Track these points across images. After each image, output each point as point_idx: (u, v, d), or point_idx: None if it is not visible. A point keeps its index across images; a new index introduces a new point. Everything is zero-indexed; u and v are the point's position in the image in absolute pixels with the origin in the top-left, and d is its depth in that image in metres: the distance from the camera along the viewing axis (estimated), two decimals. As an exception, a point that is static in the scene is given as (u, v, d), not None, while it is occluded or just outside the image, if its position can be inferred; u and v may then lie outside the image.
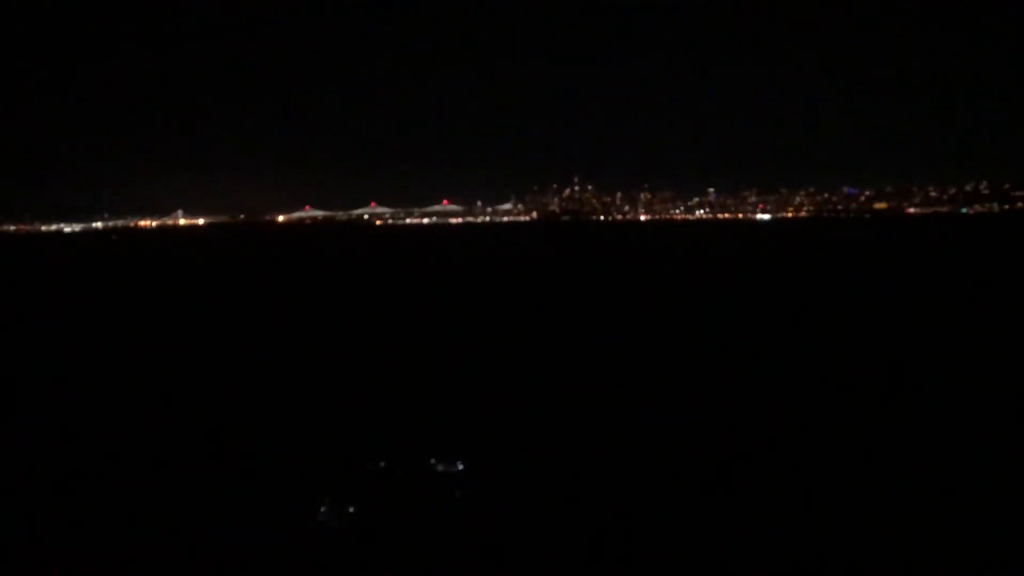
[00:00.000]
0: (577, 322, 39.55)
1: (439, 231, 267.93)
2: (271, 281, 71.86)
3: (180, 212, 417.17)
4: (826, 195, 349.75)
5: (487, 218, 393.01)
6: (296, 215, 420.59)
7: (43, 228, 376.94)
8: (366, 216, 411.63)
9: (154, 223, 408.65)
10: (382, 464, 17.45)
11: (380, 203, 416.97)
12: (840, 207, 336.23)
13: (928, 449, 18.04)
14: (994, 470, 16.50)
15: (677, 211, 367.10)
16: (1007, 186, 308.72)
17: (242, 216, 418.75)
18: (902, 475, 16.42)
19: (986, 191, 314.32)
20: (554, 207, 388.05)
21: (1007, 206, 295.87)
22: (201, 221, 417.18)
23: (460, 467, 17.18)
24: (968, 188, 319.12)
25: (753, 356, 29.47)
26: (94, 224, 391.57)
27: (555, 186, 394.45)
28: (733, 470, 16.98)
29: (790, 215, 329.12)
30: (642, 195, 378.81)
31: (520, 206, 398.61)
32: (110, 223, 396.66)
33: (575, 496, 15.75)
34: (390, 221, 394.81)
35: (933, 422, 20.14)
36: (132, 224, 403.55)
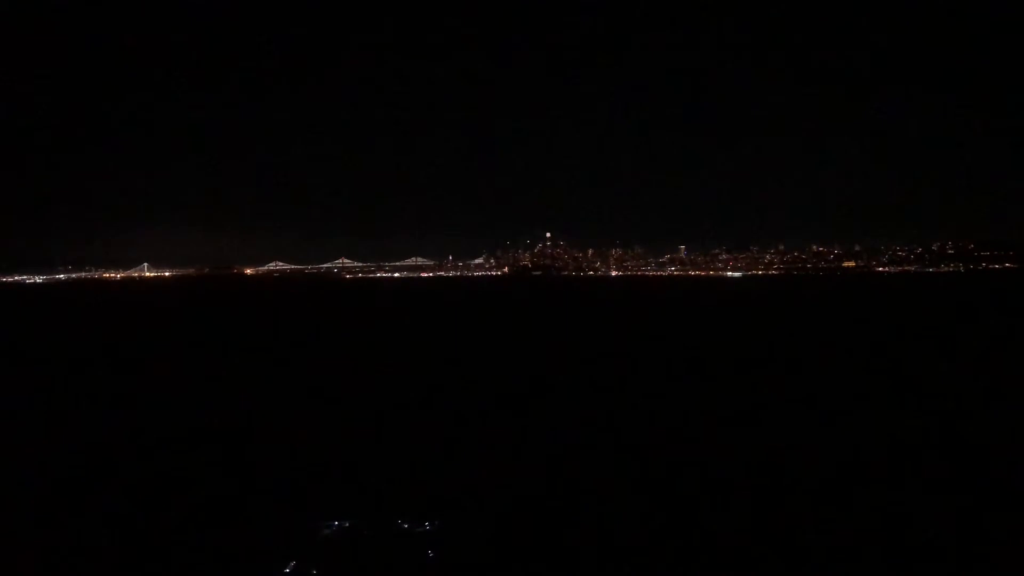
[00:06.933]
0: (549, 377, 39.50)
1: (410, 284, 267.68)
2: (236, 332, 71.22)
3: (146, 264, 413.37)
4: (795, 253, 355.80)
5: (458, 272, 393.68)
6: (265, 268, 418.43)
7: (4, 279, 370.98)
8: (336, 270, 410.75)
9: (119, 275, 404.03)
10: (347, 524, 17.22)
11: (351, 258, 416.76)
12: (809, 265, 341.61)
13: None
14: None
15: (648, 268, 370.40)
16: (971, 246, 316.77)
17: (207, 269, 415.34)
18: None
19: (951, 251, 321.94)
20: (526, 262, 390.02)
21: (972, 266, 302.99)
22: (167, 273, 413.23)
23: (428, 527, 16.98)
24: (935, 247, 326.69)
25: (729, 409, 29.57)
26: (57, 276, 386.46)
27: (527, 241, 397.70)
28: (712, 524, 16.98)
29: (760, 273, 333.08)
30: (613, 251, 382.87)
31: (492, 261, 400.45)
32: (74, 275, 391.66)
33: (547, 557, 15.63)
34: (360, 275, 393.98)
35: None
36: (96, 276, 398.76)
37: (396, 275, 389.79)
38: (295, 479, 21.25)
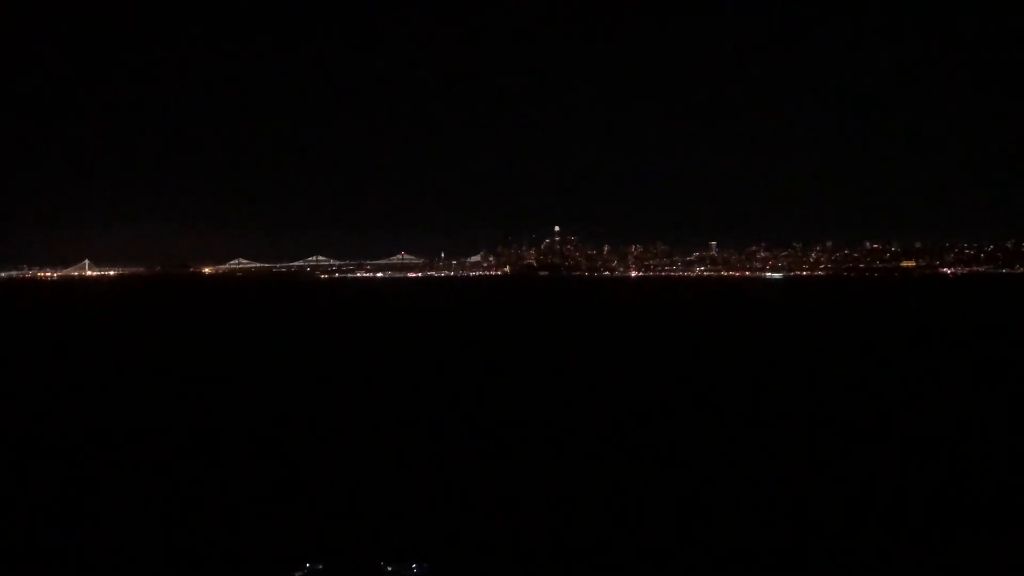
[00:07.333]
0: (549, 404, 39.40)
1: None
2: (203, 346, 71.47)
3: (87, 262, 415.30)
4: (846, 251, 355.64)
5: (452, 272, 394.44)
6: (226, 267, 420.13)
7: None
8: (308, 268, 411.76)
9: (55, 275, 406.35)
10: (320, 567, 17.02)
11: (326, 255, 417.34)
12: (862, 265, 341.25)
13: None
14: None
15: (674, 268, 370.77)
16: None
17: (158, 268, 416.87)
18: None
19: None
20: (531, 260, 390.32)
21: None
22: (112, 272, 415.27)
23: (415, 569, 16.80)
24: (1009, 245, 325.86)
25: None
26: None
27: (532, 236, 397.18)
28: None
29: (804, 274, 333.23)
30: (633, 248, 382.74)
31: (491, 259, 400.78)
32: (3, 274, 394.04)
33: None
34: (336, 275, 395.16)
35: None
36: (28, 275, 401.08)
37: (379, 275, 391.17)
38: (264, 514, 21.13)
